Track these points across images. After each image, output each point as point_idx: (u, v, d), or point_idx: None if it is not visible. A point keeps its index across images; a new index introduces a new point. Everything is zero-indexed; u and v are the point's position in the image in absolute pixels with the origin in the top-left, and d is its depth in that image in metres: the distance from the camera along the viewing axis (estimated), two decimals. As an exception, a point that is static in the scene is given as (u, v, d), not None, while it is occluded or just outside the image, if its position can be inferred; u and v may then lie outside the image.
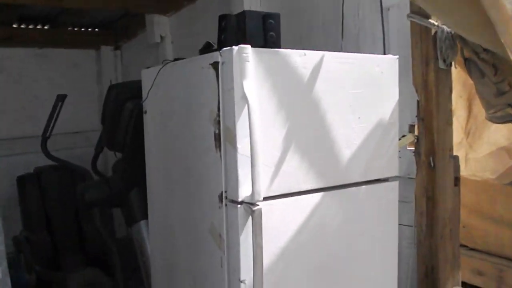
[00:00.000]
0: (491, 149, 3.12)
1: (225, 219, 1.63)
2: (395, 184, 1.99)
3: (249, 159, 1.53)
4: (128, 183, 2.57)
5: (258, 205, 1.54)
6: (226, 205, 1.63)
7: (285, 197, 1.67)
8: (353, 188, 1.86)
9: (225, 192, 1.63)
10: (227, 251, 1.64)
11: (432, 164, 2.23)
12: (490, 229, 3.15)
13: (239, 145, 1.56)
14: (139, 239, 2.57)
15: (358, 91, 1.84)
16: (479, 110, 2.96)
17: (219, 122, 1.61)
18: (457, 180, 2.34)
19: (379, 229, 1.95)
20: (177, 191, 1.97)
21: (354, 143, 1.84)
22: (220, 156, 1.62)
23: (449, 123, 2.29)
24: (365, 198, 1.90)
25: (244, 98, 1.54)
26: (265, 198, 1.58)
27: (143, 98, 2.12)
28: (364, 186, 1.89)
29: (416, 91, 2.25)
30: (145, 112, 2.17)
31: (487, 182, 3.18)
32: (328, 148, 1.78)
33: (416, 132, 2.41)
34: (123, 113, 2.42)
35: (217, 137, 1.63)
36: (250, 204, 1.55)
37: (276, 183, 1.65)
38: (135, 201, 2.53)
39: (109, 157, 3.66)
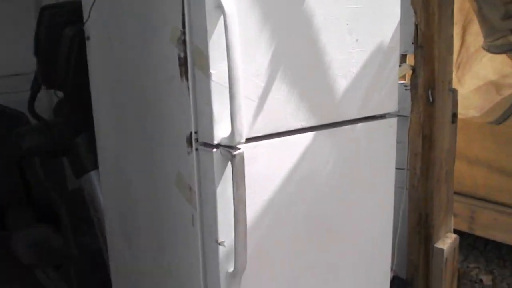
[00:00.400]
0: (479, 84, 2.92)
1: (196, 168, 1.30)
2: (393, 121, 1.70)
3: (227, 89, 1.18)
4: (73, 127, 2.17)
5: (239, 148, 1.21)
6: (196, 149, 1.29)
7: (272, 137, 1.34)
8: (348, 126, 1.56)
9: (195, 133, 1.29)
10: (200, 207, 1.31)
11: (430, 99, 1.96)
12: (464, 169, 3.01)
13: (213, 71, 1.20)
14: (90, 192, 2.21)
15: (357, 7, 1.49)
16: (473, 39, 2.71)
17: (184, 41, 1.24)
18: (454, 116, 2.10)
19: (374, 172, 1.68)
20: (133, 135, 1.61)
21: (351, 71, 1.51)
22: (188, 86, 1.26)
23: (450, 51, 2.00)
24: (360, 138, 1.61)
25: (219, 8, 1.16)
26: (248, 140, 1.25)
27: (85, 20, 1.70)
28: (359, 124, 1.59)
29: (415, 13, 1.93)
30: (88, 38, 1.75)
31: (465, 121, 3.01)
32: (322, 77, 1.44)
33: (408, 62, 2.13)
34: (62, 41, 1.98)
35: (183, 62, 1.25)
36: (229, 147, 1.22)
37: (260, 121, 1.31)
38: (83, 148, 2.14)
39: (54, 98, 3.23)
